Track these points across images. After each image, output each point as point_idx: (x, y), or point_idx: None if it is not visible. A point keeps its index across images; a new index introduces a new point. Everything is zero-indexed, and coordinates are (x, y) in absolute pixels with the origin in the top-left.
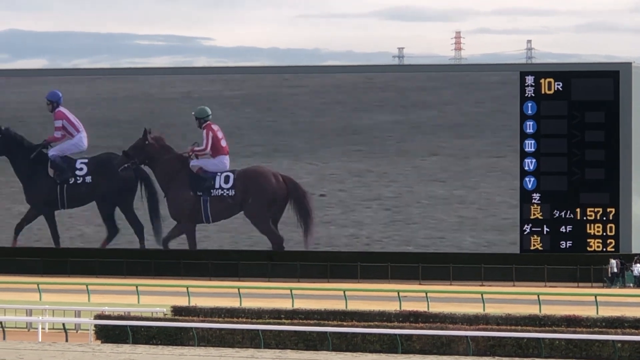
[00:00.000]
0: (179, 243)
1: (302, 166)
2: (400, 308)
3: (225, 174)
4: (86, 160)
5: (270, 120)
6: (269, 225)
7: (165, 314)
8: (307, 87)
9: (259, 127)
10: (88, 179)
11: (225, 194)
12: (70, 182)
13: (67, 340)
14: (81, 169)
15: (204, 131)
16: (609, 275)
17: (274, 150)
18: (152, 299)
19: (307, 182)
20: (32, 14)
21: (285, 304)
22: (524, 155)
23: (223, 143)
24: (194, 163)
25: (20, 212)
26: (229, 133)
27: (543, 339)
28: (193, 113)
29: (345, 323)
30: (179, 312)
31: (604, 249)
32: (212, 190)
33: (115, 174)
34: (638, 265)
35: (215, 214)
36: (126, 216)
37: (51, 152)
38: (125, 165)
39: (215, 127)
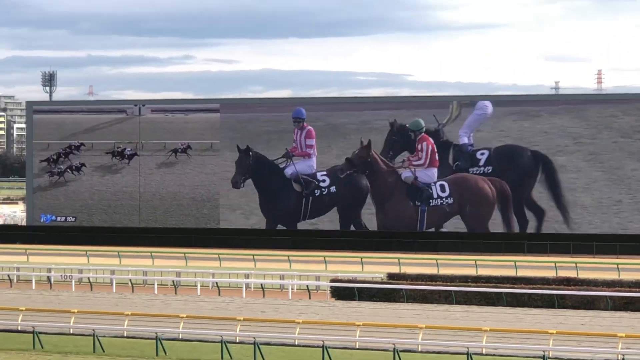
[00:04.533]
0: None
1: None
2: (556, 274)
3: (439, 183)
4: (325, 172)
5: None
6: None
7: (382, 279)
8: None
9: None
10: (332, 189)
11: (443, 203)
12: (316, 194)
13: (310, 298)
14: (324, 181)
15: (421, 144)
16: None
17: None
18: (372, 267)
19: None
20: (280, 56)
21: (471, 271)
22: None
23: (436, 156)
24: (407, 175)
25: None
26: None
27: None
28: (407, 125)
29: (516, 286)
30: (393, 277)
31: None
32: (430, 200)
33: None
34: None
35: (430, 222)
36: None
37: (289, 170)
38: (348, 172)
39: (431, 140)
